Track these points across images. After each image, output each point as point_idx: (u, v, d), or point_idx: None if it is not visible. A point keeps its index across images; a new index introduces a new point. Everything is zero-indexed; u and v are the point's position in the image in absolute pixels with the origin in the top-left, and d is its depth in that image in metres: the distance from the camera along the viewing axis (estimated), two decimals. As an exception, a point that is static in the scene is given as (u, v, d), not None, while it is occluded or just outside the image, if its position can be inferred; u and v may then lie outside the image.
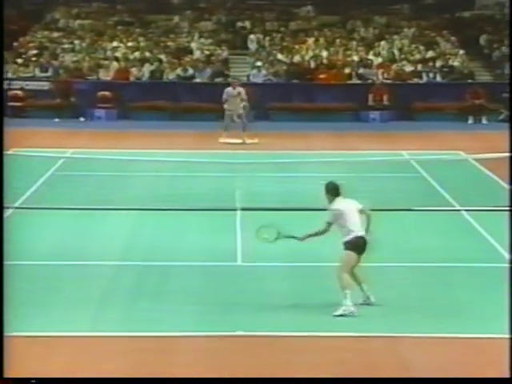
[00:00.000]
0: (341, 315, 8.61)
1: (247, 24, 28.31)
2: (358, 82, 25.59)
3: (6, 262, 10.29)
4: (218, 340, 8.07)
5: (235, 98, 20.11)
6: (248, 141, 20.07)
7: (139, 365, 7.46)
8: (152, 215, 13.08)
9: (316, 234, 9.03)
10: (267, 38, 27.48)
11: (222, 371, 7.29)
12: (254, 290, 9.44)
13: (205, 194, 14.56)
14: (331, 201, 8.99)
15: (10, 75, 25.28)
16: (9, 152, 18.74)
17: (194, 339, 8.08)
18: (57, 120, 23.97)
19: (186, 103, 24.64)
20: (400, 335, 8.18)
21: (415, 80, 25.56)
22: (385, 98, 24.74)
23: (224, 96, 20.25)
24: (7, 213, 12.72)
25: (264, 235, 9.10)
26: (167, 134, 21.82)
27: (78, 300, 9.09)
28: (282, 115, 24.34)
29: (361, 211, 8.99)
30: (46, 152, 17.43)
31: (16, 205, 13.39)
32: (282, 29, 28.12)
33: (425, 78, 25.66)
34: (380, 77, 25.63)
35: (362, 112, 24.77)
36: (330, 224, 8.93)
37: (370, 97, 24.74)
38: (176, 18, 28.68)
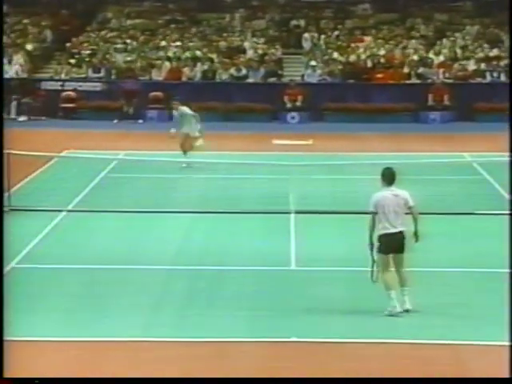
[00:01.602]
0: (390, 315, 8.50)
1: (301, 22, 27.92)
2: (417, 81, 24.91)
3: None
4: (272, 346, 7.93)
5: (186, 118, 16.94)
6: (197, 143, 16.89)
7: (191, 371, 7.34)
8: (204, 218, 12.92)
9: (371, 230, 8.61)
10: (322, 37, 27.05)
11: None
12: (308, 295, 9.25)
13: (258, 196, 14.35)
14: (381, 188, 8.70)
15: (63, 76, 25.39)
16: (62, 154, 18.77)
17: (247, 345, 7.94)
18: (115, 121, 23.94)
19: (239, 104, 24.34)
20: (462, 342, 7.99)
21: (478, 79, 24.78)
22: (445, 98, 24.09)
23: (176, 117, 17.17)
24: (60, 215, 12.91)
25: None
26: (219, 135, 21.63)
27: (129, 305, 8.97)
28: (337, 116, 23.85)
29: (409, 208, 8.59)
30: (99, 154, 17.48)
31: (69, 207, 13.42)
32: (339, 27, 27.62)
33: (488, 78, 24.86)
34: (441, 76, 24.91)
35: (421, 113, 24.13)
36: (374, 213, 8.56)
37: (430, 97, 24.12)
38: (228, 17, 28.43)
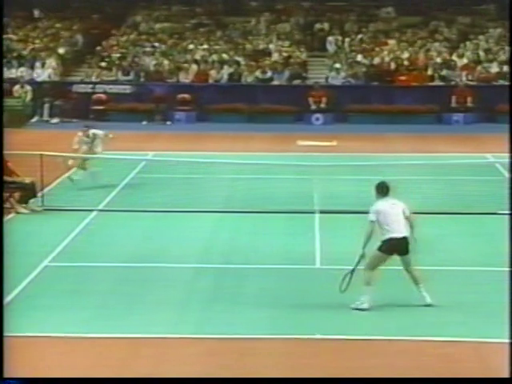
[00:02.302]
0: (356, 309, 8.83)
1: (326, 26, 28.19)
2: (441, 83, 25.11)
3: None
4: (296, 343, 8.07)
5: (89, 145, 15.54)
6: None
7: (218, 367, 7.49)
8: (230, 217, 13.12)
9: (368, 238, 9.06)
10: (346, 40, 27.32)
11: (300, 374, 7.26)
12: (332, 294, 9.32)
13: (283, 196, 14.54)
14: (376, 199, 9.20)
15: (93, 79, 25.95)
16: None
17: (272, 342, 8.10)
18: (144, 123, 24.41)
19: (264, 105, 24.68)
20: (482, 340, 8.10)
21: (501, 81, 24.89)
22: (468, 99, 24.30)
23: (75, 146, 15.57)
24: (91, 215, 13.16)
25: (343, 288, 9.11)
26: (245, 136, 21.83)
27: (157, 302, 9.15)
28: (361, 117, 24.11)
29: (406, 217, 9.13)
30: (129, 154, 17.75)
31: (100, 207, 13.70)
32: (363, 30, 27.87)
33: (511, 80, 24.98)
34: (464, 78, 25.11)
35: (444, 114, 24.36)
36: (373, 222, 9.05)
37: (453, 99, 24.35)
38: (253, 20, 28.82)
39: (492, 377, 6.77)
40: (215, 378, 6.86)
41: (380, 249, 9.01)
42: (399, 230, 8.98)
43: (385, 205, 9.09)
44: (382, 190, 9.22)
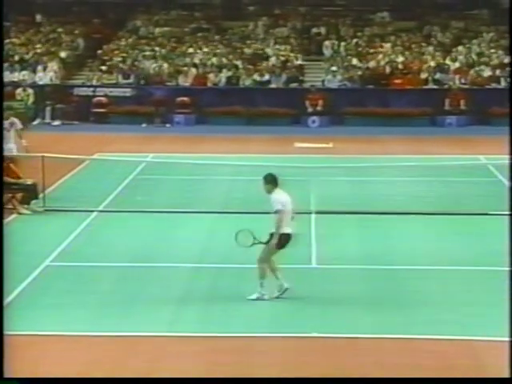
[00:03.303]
0: (256, 299, 9.12)
1: (322, 30, 28.63)
2: (434, 87, 25.54)
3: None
4: (293, 341, 8.21)
5: (8, 133, 14.67)
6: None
7: (215, 365, 7.57)
8: (228, 218, 13.34)
9: (281, 225, 9.14)
10: (342, 44, 27.75)
11: (297, 372, 7.38)
12: (328, 292, 9.54)
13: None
14: (271, 191, 9.19)
15: (94, 82, 26.35)
16: (93, 156, 19.44)
17: (270, 340, 8.23)
18: (144, 125, 24.80)
19: (262, 108, 25.08)
20: (476, 338, 8.22)
21: (493, 85, 25.35)
22: (461, 102, 24.74)
23: None
24: (92, 215, 13.36)
25: (241, 240, 9.23)
26: (243, 138, 22.11)
27: (156, 301, 9.29)
28: (357, 120, 24.52)
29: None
30: (129, 156, 18.03)
31: (100, 208, 13.92)
32: (358, 34, 28.29)
33: (503, 83, 25.44)
34: (457, 82, 25.55)
35: (438, 117, 24.77)
36: (281, 211, 9.05)
37: (447, 102, 24.79)
38: (251, 25, 29.23)
39: (491, 377, 6.77)
40: (214, 378, 6.84)
41: (278, 246, 9.11)
42: (291, 224, 9.15)
43: (286, 197, 9.15)
44: (272, 181, 9.14)
